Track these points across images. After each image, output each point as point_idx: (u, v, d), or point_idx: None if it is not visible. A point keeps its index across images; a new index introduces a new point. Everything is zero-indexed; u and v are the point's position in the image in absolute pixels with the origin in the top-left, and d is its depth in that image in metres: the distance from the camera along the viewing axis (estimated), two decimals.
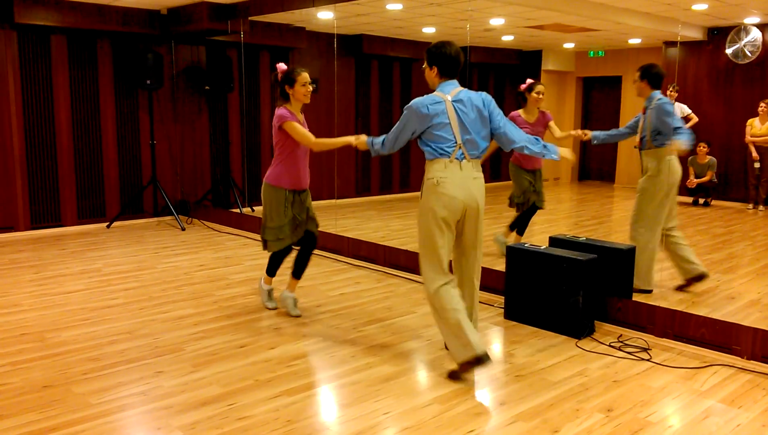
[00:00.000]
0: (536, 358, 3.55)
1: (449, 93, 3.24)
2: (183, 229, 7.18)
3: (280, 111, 3.94)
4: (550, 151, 3.35)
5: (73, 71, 6.99)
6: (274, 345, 3.71)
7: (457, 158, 3.18)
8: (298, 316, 4.20)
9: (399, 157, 10.03)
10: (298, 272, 4.26)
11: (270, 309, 4.37)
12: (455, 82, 3.29)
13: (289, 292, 4.28)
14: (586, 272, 3.81)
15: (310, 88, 3.99)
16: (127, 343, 3.72)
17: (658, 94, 4.49)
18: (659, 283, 4.92)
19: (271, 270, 4.34)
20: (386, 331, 3.96)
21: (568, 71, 11.27)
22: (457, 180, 3.17)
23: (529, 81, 5.48)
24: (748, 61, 8.05)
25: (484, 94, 3.32)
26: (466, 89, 3.28)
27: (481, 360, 3.10)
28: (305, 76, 3.96)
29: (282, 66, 4.04)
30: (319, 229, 4.26)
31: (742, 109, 8.22)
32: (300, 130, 3.90)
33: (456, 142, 3.19)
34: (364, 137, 3.59)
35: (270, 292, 4.41)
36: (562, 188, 11.27)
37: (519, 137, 3.30)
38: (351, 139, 3.67)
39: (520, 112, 5.54)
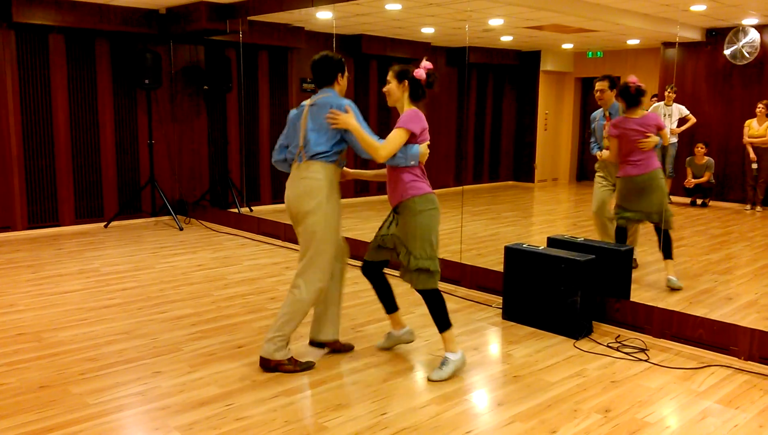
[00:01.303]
0: (534, 358, 3.55)
1: (314, 99, 3.34)
2: (181, 229, 7.17)
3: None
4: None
5: (71, 71, 6.98)
6: None
7: (297, 160, 3.32)
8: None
9: None
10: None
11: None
12: (329, 89, 3.33)
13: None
14: (584, 273, 3.81)
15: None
16: (124, 343, 3.71)
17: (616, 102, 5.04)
18: (656, 284, 4.93)
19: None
20: (384, 332, 3.95)
21: (567, 72, 11.28)
22: (291, 181, 3.34)
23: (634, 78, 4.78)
24: (746, 62, 8.06)
25: (346, 101, 3.25)
26: (331, 96, 3.29)
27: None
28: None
29: (428, 63, 3.32)
30: None
31: (740, 110, 8.24)
32: None
33: (299, 145, 3.32)
34: None
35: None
36: (560, 189, 11.29)
37: (360, 150, 3.25)
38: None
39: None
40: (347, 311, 4.35)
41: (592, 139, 5.39)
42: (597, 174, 5.36)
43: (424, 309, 4.38)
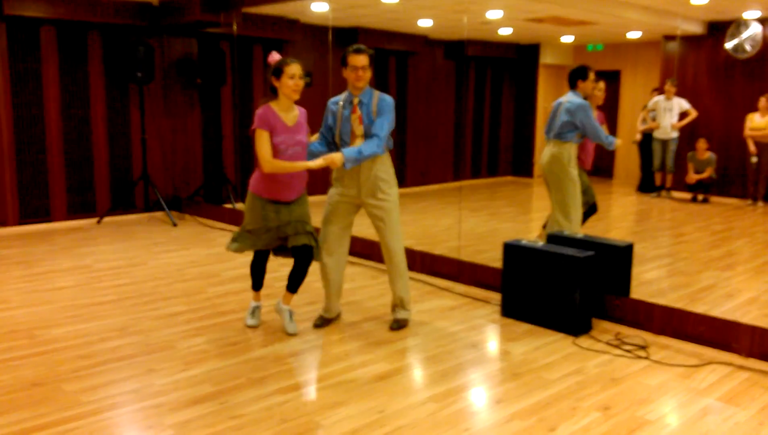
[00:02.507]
0: (533, 355, 3.52)
1: None
2: (175, 225, 7.11)
3: (260, 111, 3.53)
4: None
5: (63, 64, 6.90)
6: (267, 343, 3.67)
7: None
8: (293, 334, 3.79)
9: (395, 153, 9.97)
10: (292, 286, 3.81)
11: (250, 326, 3.92)
12: None
13: (284, 304, 3.86)
14: (583, 269, 3.77)
15: (301, 82, 3.49)
16: (118, 341, 3.66)
17: None
18: (656, 281, 4.90)
19: (254, 283, 3.97)
20: (382, 329, 3.92)
21: (566, 65, 11.21)
22: None
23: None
24: (747, 55, 8.00)
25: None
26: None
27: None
28: (295, 68, 3.46)
29: (275, 55, 3.56)
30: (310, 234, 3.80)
31: (742, 104, 8.18)
32: (264, 144, 3.47)
33: None
34: (339, 155, 3.50)
35: (255, 309, 3.96)
36: None
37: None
38: (319, 162, 3.54)
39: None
40: (343, 308, 4.31)
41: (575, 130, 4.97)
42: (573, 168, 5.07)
43: (421, 307, 4.35)
